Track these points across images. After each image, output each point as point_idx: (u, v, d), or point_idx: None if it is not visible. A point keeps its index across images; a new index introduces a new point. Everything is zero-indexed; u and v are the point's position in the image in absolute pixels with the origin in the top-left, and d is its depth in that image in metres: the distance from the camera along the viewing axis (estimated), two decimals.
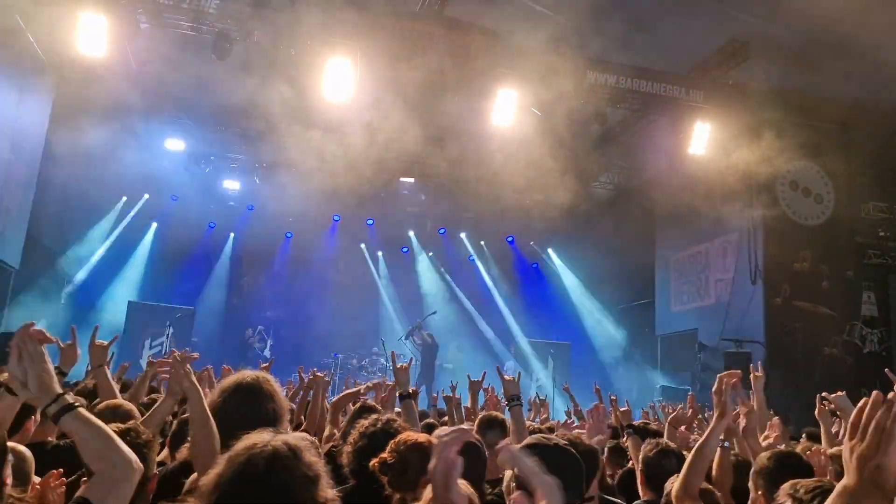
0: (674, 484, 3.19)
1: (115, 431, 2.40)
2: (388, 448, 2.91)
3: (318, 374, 5.54)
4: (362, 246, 20.49)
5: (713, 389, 3.17)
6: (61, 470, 2.47)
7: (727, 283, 14.53)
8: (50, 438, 3.65)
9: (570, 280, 20.29)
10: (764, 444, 3.95)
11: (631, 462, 4.45)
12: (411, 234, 20.56)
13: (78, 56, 10.55)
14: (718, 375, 3.20)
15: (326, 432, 4.51)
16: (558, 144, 12.41)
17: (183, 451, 2.80)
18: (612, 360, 18.50)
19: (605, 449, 5.26)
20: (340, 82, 11.40)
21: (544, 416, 7.42)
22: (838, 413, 5.22)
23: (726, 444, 3.43)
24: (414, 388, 5.60)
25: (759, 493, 2.72)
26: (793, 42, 11.89)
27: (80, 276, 17.23)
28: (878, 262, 13.85)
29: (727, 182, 12.98)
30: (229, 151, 16.84)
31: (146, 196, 17.80)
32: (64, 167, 13.76)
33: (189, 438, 2.61)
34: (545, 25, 11.10)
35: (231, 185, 17.76)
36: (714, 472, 3.51)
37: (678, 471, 3.34)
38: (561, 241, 19.88)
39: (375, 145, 13.84)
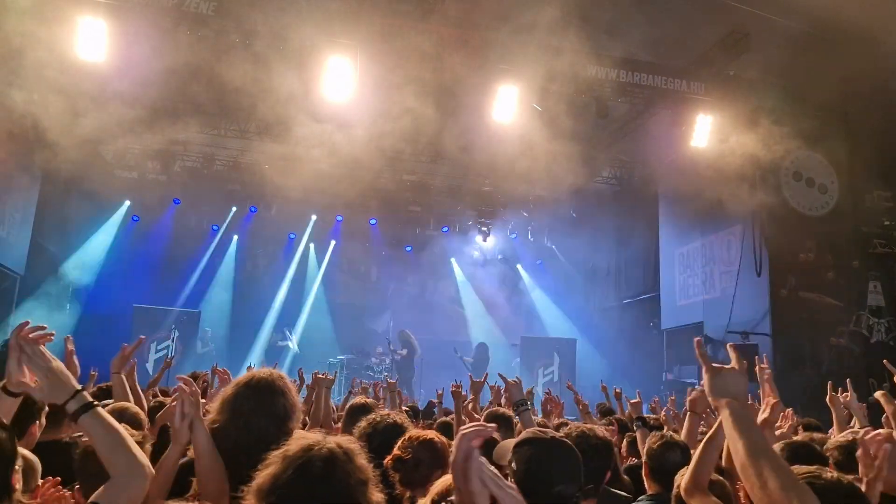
0: (683, 475, 3.18)
1: None
2: (400, 445, 2.91)
3: (321, 374, 5.55)
4: (365, 245, 20.50)
5: None
6: (58, 479, 2.45)
7: (732, 275, 14.48)
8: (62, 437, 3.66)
9: (574, 275, 20.26)
10: (777, 433, 3.94)
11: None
12: (414, 232, 20.56)
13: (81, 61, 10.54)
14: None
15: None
16: (560, 140, 12.38)
17: (189, 452, 2.80)
18: (618, 355, 18.47)
19: (623, 442, 5.26)
20: (340, 81, 11.39)
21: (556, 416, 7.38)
22: (846, 407, 5.20)
23: None
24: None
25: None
26: (794, 32, 11.84)
27: (85, 281, 17.27)
28: (883, 252, 13.78)
29: (730, 174, 12.93)
30: (231, 152, 16.86)
31: (149, 200, 17.82)
32: (67, 172, 13.78)
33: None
34: (545, 21, 11.06)
35: (234, 186, 17.77)
36: (725, 463, 3.49)
37: (683, 464, 3.32)
38: (565, 237, 19.85)
39: (377, 144, 13.83)
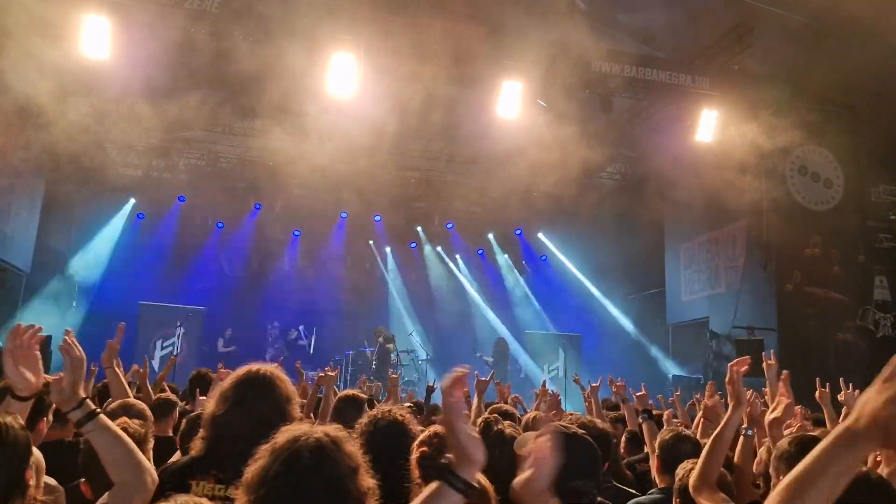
0: (686, 469, 3.18)
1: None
2: (423, 440, 2.93)
3: (328, 371, 5.55)
4: (370, 242, 20.50)
5: (726, 379, 3.16)
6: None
7: (737, 270, 14.45)
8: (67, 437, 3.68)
9: (579, 271, 20.24)
10: (786, 432, 3.93)
11: (646, 449, 4.43)
12: (419, 228, 20.56)
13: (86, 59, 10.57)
14: (729, 364, 3.19)
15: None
16: (564, 135, 12.35)
17: (196, 445, 2.81)
18: (623, 351, 18.45)
19: (622, 437, 5.26)
20: (344, 77, 11.38)
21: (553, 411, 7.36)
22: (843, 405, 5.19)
23: (749, 431, 3.41)
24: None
25: (781, 478, 2.70)
26: (799, 26, 11.79)
27: (91, 278, 17.33)
28: (889, 246, 13.73)
29: (735, 169, 12.89)
30: (235, 149, 16.88)
31: (155, 197, 17.88)
32: (73, 170, 13.82)
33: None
34: (550, 16, 11.04)
35: (239, 183, 17.80)
36: (736, 460, 3.49)
37: (694, 456, 3.33)
38: (570, 233, 19.83)
39: (380, 140, 13.84)
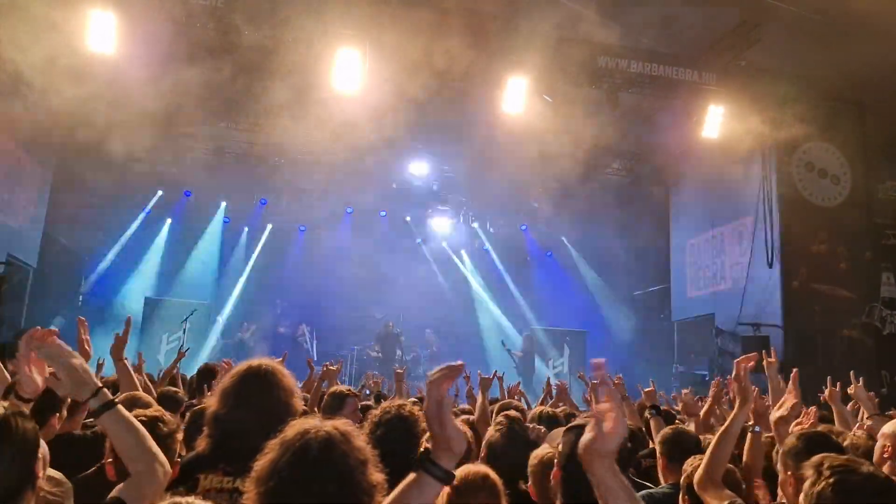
0: (693, 466, 3.17)
1: (144, 419, 2.44)
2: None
3: (329, 365, 5.58)
4: (376, 237, 20.50)
5: (733, 375, 3.14)
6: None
7: (743, 266, 14.41)
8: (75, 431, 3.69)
9: (584, 267, 20.22)
10: (797, 429, 3.92)
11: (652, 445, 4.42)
12: (424, 224, 20.56)
13: (92, 53, 10.58)
14: (735, 361, 3.17)
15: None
16: (570, 131, 12.33)
17: (201, 444, 2.82)
18: (628, 347, 18.44)
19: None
20: (349, 72, 11.37)
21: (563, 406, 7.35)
22: (853, 398, 5.17)
23: (757, 428, 3.40)
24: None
25: (788, 473, 2.70)
26: (806, 21, 11.72)
27: (97, 273, 17.38)
28: None
29: (741, 165, 12.86)
30: (241, 145, 16.89)
31: (160, 192, 17.91)
32: (79, 164, 13.86)
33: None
34: (555, 11, 11.01)
35: (244, 178, 17.82)
36: (745, 457, 3.49)
37: (698, 452, 3.32)
38: (575, 229, 19.79)
39: (385, 136, 13.82)
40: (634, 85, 13.22)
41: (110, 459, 2.56)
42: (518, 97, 12.10)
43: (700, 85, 12.98)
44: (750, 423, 3.41)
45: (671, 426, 3.97)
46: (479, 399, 5.73)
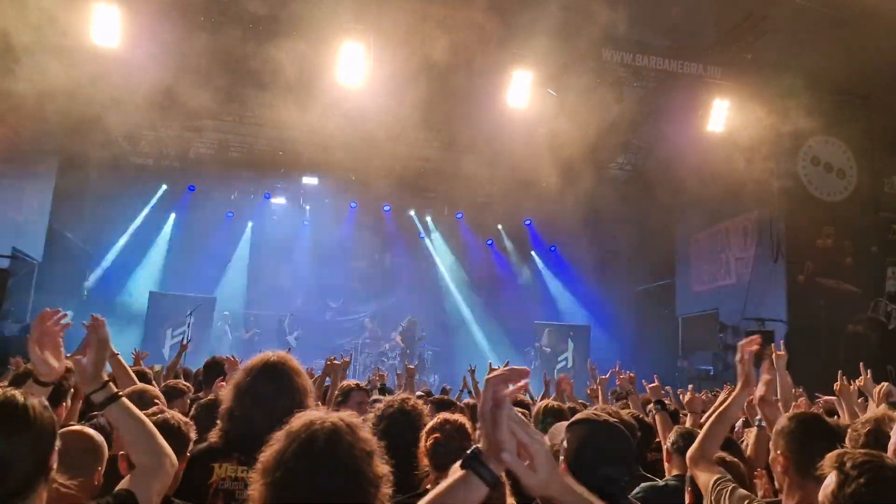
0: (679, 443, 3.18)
1: (159, 415, 2.45)
2: (434, 427, 2.93)
3: (332, 359, 5.58)
4: (379, 232, 20.51)
5: (736, 358, 3.14)
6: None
7: (748, 261, 14.38)
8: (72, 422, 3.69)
9: (588, 262, 20.18)
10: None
11: (657, 439, 4.41)
12: (428, 219, 20.55)
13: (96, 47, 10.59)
14: (738, 344, 3.17)
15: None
16: (574, 125, 12.29)
17: (213, 436, 2.83)
18: (633, 342, 18.43)
19: None
20: (354, 67, 11.36)
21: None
22: (864, 392, 5.15)
23: (763, 424, 3.40)
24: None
25: (779, 452, 2.72)
26: (812, 14, 11.65)
27: (102, 267, 17.42)
28: None
29: (746, 159, 12.80)
30: (245, 139, 16.91)
31: (164, 187, 17.94)
32: (83, 159, 13.88)
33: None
34: (561, 4, 10.96)
35: (248, 173, 17.84)
36: (749, 451, 3.48)
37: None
38: (579, 223, 19.75)
39: (390, 130, 13.81)
40: (639, 78, 13.18)
41: (122, 452, 2.58)
42: (523, 91, 12.07)
43: (705, 78, 12.93)
44: (757, 417, 3.41)
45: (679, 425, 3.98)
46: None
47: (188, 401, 4.72)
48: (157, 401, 3.52)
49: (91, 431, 3.45)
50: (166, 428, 2.52)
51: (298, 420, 1.87)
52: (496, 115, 13.37)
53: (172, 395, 4.51)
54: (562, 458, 2.36)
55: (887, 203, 13.75)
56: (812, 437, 2.64)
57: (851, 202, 13.65)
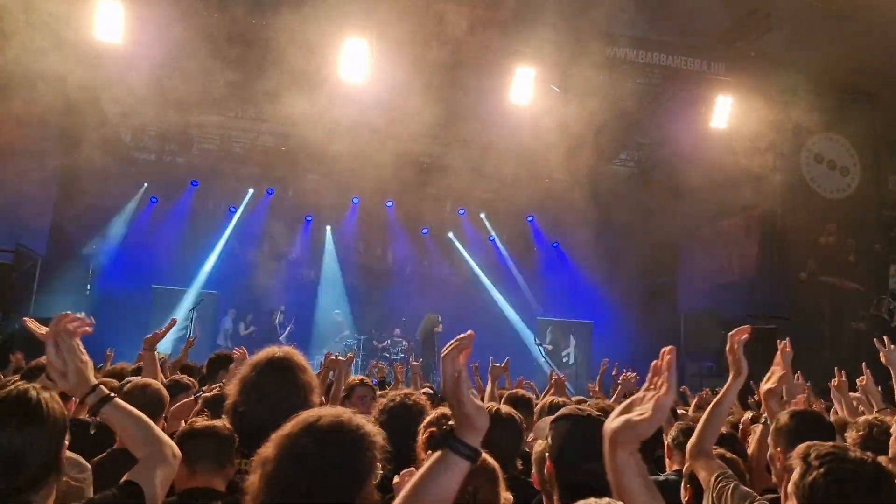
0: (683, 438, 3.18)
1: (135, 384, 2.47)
2: (431, 421, 2.93)
3: (340, 357, 5.59)
4: (382, 228, 20.50)
5: (726, 348, 3.14)
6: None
7: (751, 258, 14.37)
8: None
9: (591, 258, 20.16)
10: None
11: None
12: (432, 214, 20.52)
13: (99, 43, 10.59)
14: (729, 334, 3.15)
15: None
16: (578, 121, 12.28)
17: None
18: (635, 339, 18.41)
19: None
20: (356, 63, 11.35)
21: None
22: (861, 390, 5.15)
23: (768, 421, 3.40)
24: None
25: (778, 449, 2.73)
26: (817, 11, 11.63)
27: (104, 262, 17.44)
28: None
29: (750, 156, 12.79)
30: (248, 134, 16.91)
31: (167, 182, 17.93)
32: (86, 154, 13.88)
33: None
34: (563, 1, 10.95)
35: (251, 168, 17.84)
36: (752, 448, 3.49)
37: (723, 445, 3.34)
38: (581, 220, 19.73)
39: (393, 126, 13.81)
40: (643, 75, 13.16)
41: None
42: (526, 87, 12.05)
43: (709, 75, 12.90)
44: (763, 413, 3.41)
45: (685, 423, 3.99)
46: (489, 387, 5.71)
47: (193, 395, 4.74)
48: (160, 394, 3.54)
49: (153, 383, 3.51)
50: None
51: (300, 416, 1.88)
52: (499, 111, 13.36)
53: (177, 389, 4.53)
54: (546, 454, 2.35)
55: (890, 201, 13.74)
56: (810, 433, 2.64)
57: (854, 200, 13.63)
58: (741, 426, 4.52)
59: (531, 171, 16.16)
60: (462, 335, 1.73)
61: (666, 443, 3.91)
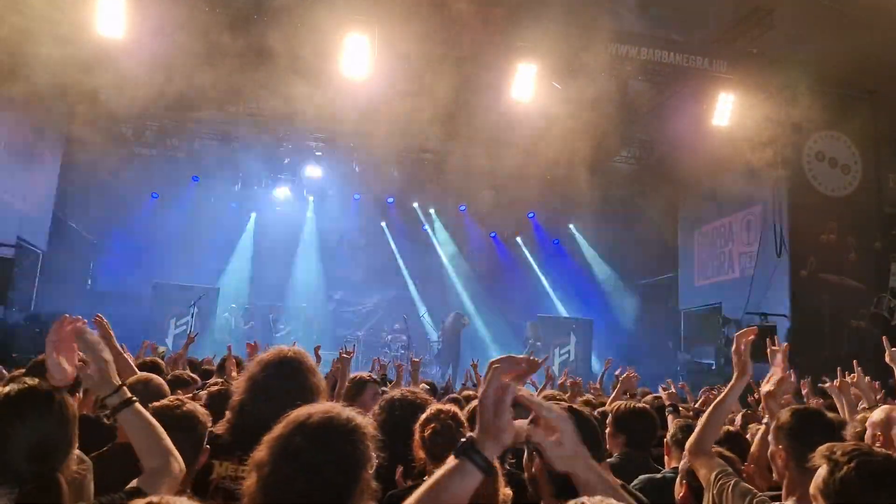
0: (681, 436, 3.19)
1: (166, 405, 2.50)
2: (429, 418, 2.94)
3: (342, 353, 5.61)
4: (383, 224, 20.53)
5: (732, 349, 3.15)
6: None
7: (751, 256, 14.37)
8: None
9: (592, 255, 20.19)
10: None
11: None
12: (432, 211, 20.55)
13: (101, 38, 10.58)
14: (735, 334, 3.17)
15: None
16: (579, 118, 12.27)
17: (220, 428, 2.84)
18: (635, 336, 18.44)
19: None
20: (358, 59, 11.34)
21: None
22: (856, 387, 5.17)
23: (767, 420, 3.41)
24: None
25: (780, 447, 2.74)
26: (818, 9, 11.61)
27: (106, 257, 17.47)
28: None
29: (751, 153, 12.76)
30: (249, 130, 16.89)
31: (169, 177, 17.94)
32: (88, 149, 13.89)
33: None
34: None
35: (252, 164, 17.85)
36: (753, 449, 3.50)
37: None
38: (583, 217, 19.75)
39: (394, 122, 13.78)
40: (644, 72, 13.14)
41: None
42: (527, 84, 12.04)
43: (711, 72, 12.88)
44: (759, 412, 3.43)
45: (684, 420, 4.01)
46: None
47: (194, 391, 4.75)
48: (162, 388, 3.55)
49: (156, 378, 3.53)
50: (185, 419, 2.58)
51: (296, 411, 1.90)
52: (501, 108, 13.34)
53: (178, 385, 4.54)
54: (526, 452, 2.35)
55: (892, 199, 13.72)
56: (811, 431, 2.66)
57: (856, 198, 13.61)
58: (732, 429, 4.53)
59: (532, 167, 16.14)
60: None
61: (670, 438, 3.93)
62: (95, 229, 17.25)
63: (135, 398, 2.27)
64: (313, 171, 17.89)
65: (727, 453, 3.26)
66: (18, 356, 9.90)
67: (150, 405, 2.59)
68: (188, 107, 14.71)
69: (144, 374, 3.83)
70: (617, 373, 7.44)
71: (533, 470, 2.33)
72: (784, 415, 2.89)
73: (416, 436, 2.98)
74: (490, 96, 13.19)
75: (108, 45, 10.79)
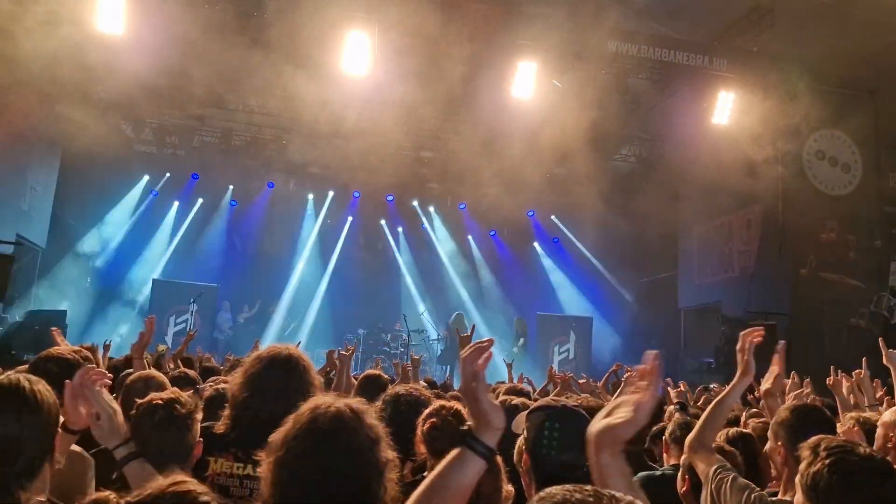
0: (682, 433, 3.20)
1: (161, 400, 2.51)
2: (431, 413, 2.95)
3: (342, 351, 5.60)
4: (382, 222, 20.52)
5: (737, 347, 3.15)
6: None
7: (751, 254, 14.37)
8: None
9: (591, 254, 20.18)
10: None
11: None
12: (431, 209, 20.53)
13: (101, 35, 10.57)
14: (741, 333, 3.17)
15: None
16: (579, 116, 12.26)
17: (218, 425, 2.83)
18: (634, 334, 18.43)
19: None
20: (358, 56, 11.33)
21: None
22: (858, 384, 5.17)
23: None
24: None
25: (779, 443, 2.75)
26: (819, 7, 11.61)
27: (105, 254, 17.46)
28: None
29: (751, 152, 12.77)
30: (249, 127, 16.90)
31: (168, 175, 17.93)
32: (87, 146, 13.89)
33: None
34: None
35: (252, 161, 17.83)
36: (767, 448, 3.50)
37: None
38: (582, 215, 19.73)
39: (394, 120, 13.79)
40: (644, 70, 13.13)
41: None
42: (527, 81, 12.03)
43: (711, 71, 12.87)
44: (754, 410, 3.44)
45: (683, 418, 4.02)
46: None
47: (196, 389, 4.75)
48: (164, 385, 3.55)
49: (157, 376, 3.55)
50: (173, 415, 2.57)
51: (307, 405, 1.92)
52: (501, 106, 13.34)
53: (181, 383, 4.54)
54: (523, 447, 2.35)
55: (891, 198, 13.72)
56: (810, 427, 2.66)
57: (856, 196, 13.61)
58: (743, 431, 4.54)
59: (532, 165, 16.14)
60: (482, 340, 1.79)
61: (664, 437, 3.93)
62: (94, 226, 17.23)
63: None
64: (313, 169, 17.88)
65: (728, 448, 3.27)
66: (17, 353, 9.90)
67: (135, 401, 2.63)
68: (188, 104, 14.70)
69: (145, 371, 3.83)
70: (626, 376, 7.43)
71: (523, 465, 2.35)
72: (783, 411, 2.90)
73: (418, 431, 2.99)
74: (490, 94, 13.18)
75: (108, 41, 10.78)
